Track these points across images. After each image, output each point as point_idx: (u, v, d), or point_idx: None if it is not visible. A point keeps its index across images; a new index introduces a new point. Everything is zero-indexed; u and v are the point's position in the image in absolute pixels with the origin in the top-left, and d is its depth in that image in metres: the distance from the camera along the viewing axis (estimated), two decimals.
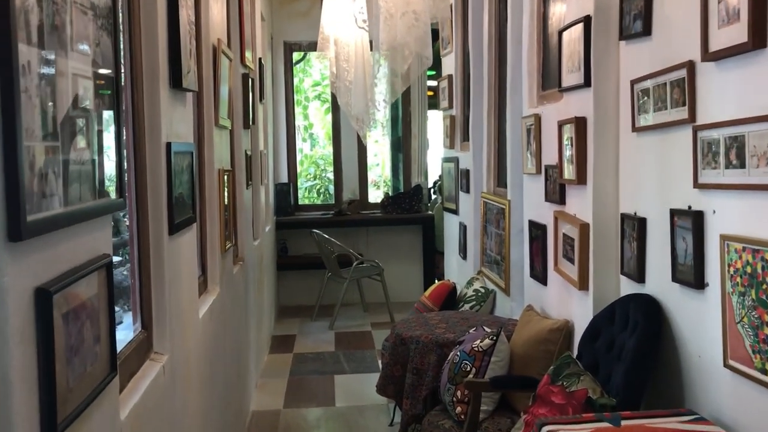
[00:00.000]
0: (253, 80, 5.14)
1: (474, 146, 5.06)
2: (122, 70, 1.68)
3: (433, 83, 9.34)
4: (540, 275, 3.55)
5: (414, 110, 8.14)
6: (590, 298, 2.89)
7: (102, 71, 1.58)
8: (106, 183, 1.61)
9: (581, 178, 2.93)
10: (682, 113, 2.25)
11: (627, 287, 2.73)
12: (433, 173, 8.70)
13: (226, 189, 3.73)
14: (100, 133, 1.56)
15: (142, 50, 2.23)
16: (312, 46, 7.70)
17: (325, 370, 5.68)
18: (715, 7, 2.01)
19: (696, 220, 2.17)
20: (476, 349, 3.23)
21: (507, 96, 4.20)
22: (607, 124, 2.82)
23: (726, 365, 2.01)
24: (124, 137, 2.07)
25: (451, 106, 5.76)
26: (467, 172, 5.26)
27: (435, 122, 8.92)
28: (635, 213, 2.65)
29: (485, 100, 4.81)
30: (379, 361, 5.58)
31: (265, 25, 6.76)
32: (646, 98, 2.52)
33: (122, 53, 2.19)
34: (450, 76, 5.76)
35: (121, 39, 2.18)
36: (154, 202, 2.27)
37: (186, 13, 2.52)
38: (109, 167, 1.64)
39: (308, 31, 7.37)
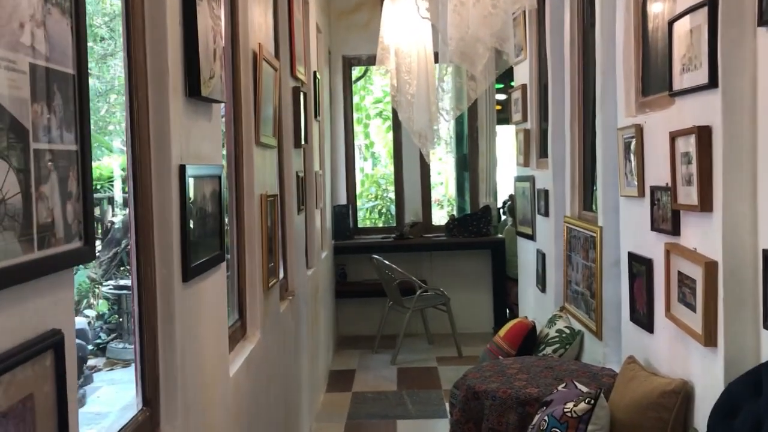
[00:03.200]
0: (305, 94, 4.67)
1: (554, 163, 4.46)
2: (82, 68, 1.18)
3: (501, 96, 8.76)
4: (644, 320, 2.92)
5: (481, 125, 7.57)
6: (720, 358, 2.26)
7: (48, 65, 1.09)
8: (63, 225, 1.12)
9: (705, 204, 2.31)
10: None
11: None
12: (502, 193, 8.09)
13: (270, 217, 3.25)
14: (44, 153, 1.07)
15: (146, 49, 1.75)
16: (372, 60, 7.23)
17: (387, 413, 5.12)
18: None
19: None
20: (569, 414, 2.62)
21: (597, 105, 3.60)
22: (742, 134, 2.20)
23: None
24: (126, 159, 1.59)
25: (525, 119, 5.17)
26: (546, 192, 4.65)
27: (503, 138, 8.33)
28: None
29: (567, 111, 4.21)
30: (446, 405, 5.00)
31: (322, 38, 6.33)
32: None
33: (122, 53, 1.72)
34: (524, 86, 5.17)
35: (121, 34, 1.71)
36: (162, 242, 1.78)
37: (209, 6, 2.04)
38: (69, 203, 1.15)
39: (368, 44, 6.89)
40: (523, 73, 5.21)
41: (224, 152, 2.85)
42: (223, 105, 2.45)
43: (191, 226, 1.90)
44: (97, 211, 8.91)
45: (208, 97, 2.02)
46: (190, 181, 1.91)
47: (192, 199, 1.92)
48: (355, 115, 8.36)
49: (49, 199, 1.08)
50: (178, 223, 1.82)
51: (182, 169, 1.85)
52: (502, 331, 4.25)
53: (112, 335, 6.94)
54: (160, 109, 1.77)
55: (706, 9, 2.28)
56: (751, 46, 2.18)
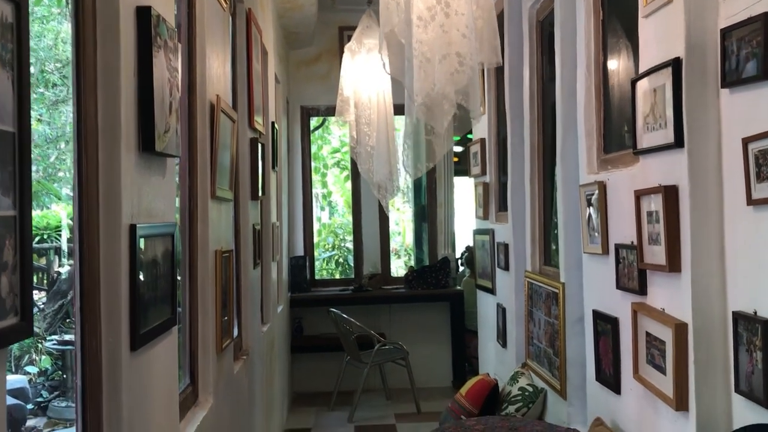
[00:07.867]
0: (263, 146, 4.59)
1: (514, 217, 4.44)
2: (24, 125, 1.08)
3: (458, 148, 8.82)
4: (611, 381, 2.86)
5: (439, 177, 7.57)
6: (692, 423, 2.20)
7: None
8: None
9: (674, 264, 2.28)
10: None
11: (745, 411, 2.04)
12: (460, 244, 8.06)
13: (225, 274, 3.12)
14: None
15: (97, 101, 1.65)
16: (331, 111, 7.19)
17: None
18: None
19: None
20: None
21: (557, 160, 3.59)
22: (709, 194, 2.18)
23: None
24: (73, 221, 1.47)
25: (484, 173, 5.16)
26: (506, 246, 4.62)
27: (461, 189, 8.35)
28: (755, 312, 1.98)
29: (527, 166, 4.21)
30: None
31: (280, 88, 6.28)
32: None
33: (72, 105, 1.62)
34: (482, 140, 5.18)
35: (71, 88, 1.61)
36: (110, 308, 1.65)
37: (165, 58, 1.95)
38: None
39: (327, 95, 6.89)
40: (481, 127, 5.23)
41: (178, 205, 2.73)
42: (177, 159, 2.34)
43: (141, 291, 1.78)
44: (43, 261, 8.55)
45: (163, 152, 1.92)
46: (141, 242, 1.79)
47: (143, 262, 1.80)
48: (313, 164, 8.28)
49: None
50: (127, 288, 1.70)
51: (133, 228, 1.73)
52: (464, 389, 4.14)
53: (55, 393, 6.59)
54: (110, 165, 1.67)
55: (669, 69, 2.28)
56: (715, 107, 2.19)
